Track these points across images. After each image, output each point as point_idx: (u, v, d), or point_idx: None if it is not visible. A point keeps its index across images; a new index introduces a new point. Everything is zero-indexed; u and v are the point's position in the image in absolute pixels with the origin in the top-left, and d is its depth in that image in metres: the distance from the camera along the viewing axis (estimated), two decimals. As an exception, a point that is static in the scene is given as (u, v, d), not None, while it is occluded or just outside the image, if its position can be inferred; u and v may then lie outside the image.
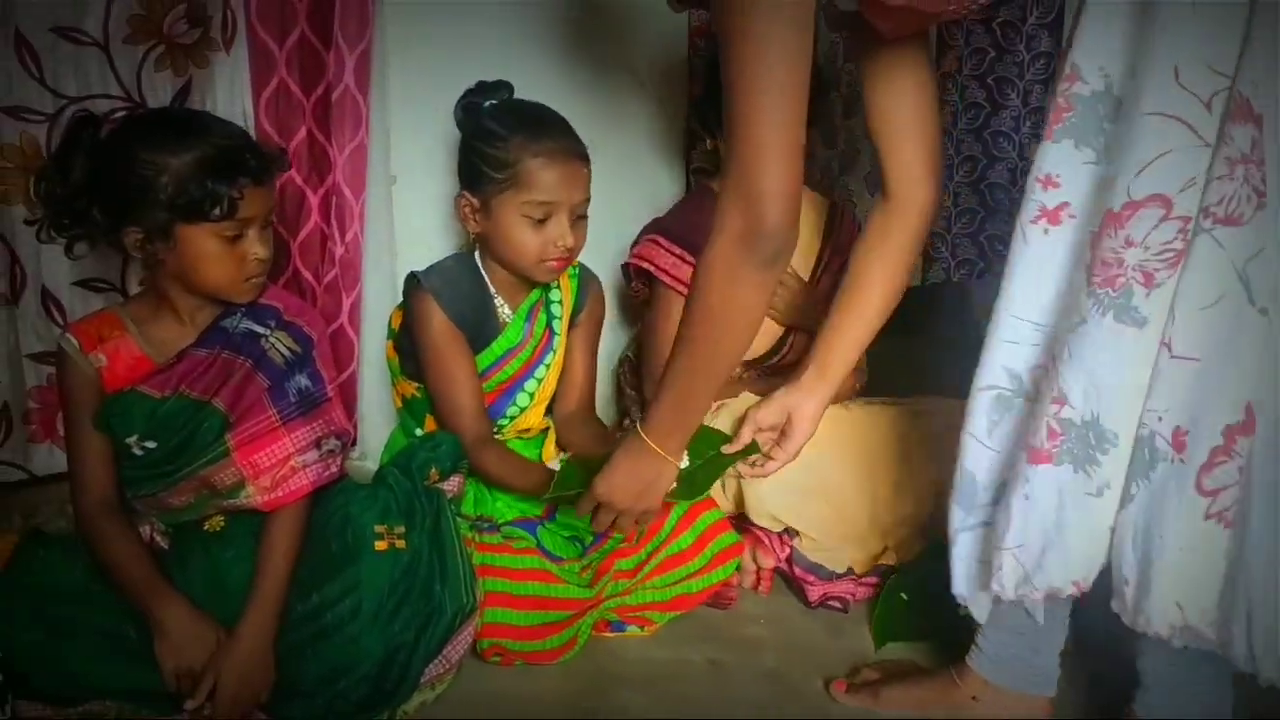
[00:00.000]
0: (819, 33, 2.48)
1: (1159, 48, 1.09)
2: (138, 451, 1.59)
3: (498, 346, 1.91)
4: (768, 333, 2.09)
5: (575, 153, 1.84)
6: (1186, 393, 1.13)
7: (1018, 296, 1.23)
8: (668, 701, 1.59)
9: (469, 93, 1.89)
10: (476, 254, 1.94)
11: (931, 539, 1.80)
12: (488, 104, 1.86)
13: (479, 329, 1.90)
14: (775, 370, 2.11)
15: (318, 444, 1.65)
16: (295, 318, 1.71)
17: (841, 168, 2.88)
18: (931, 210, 1.48)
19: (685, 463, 1.50)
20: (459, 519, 1.71)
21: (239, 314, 1.66)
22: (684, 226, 2.05)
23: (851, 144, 2.86)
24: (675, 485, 1.56)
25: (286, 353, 1.67)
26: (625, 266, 2.14)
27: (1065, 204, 1.18)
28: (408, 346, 1.92)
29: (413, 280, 1.91)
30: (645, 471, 1.47)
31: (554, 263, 1.83)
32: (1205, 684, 1.34)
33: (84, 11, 1.90)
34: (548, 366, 1.95)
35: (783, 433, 1.60)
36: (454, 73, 2.02)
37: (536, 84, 2.08)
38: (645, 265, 2.06)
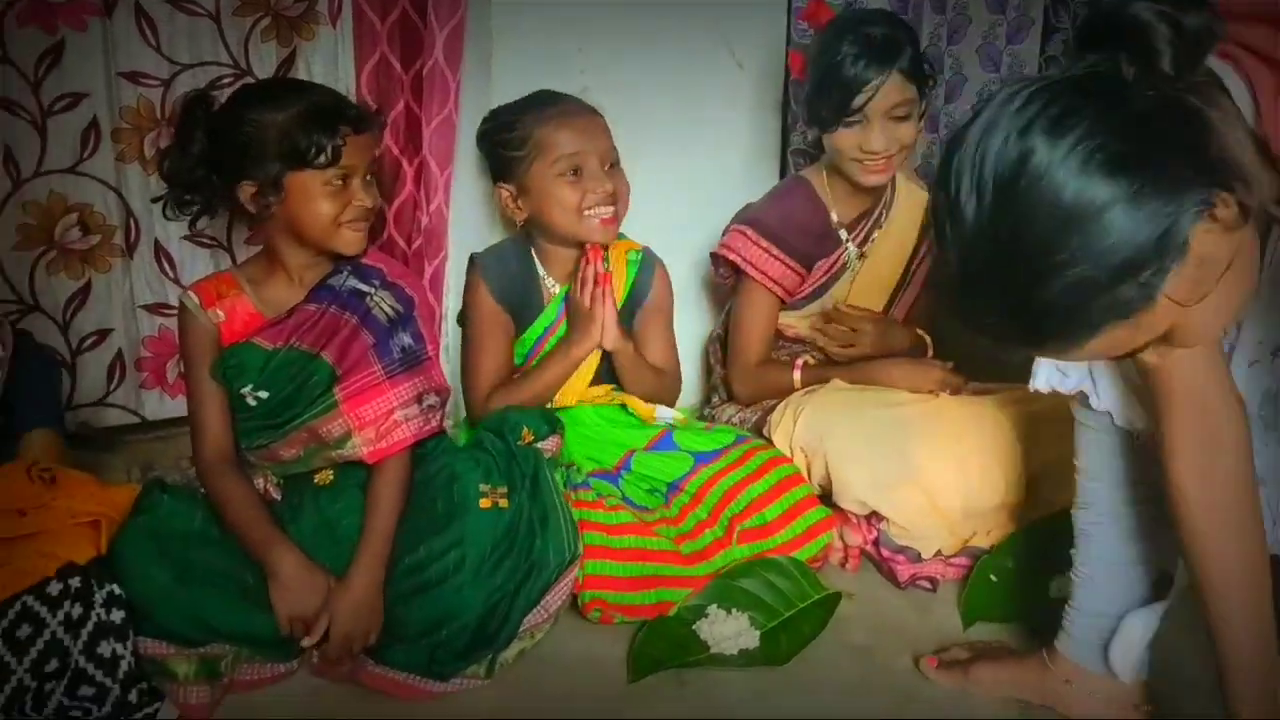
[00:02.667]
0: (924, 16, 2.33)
1: None
2: (251, 402, 1.55)
3: (537, 326, 1.85)
4: None
5: (584, 108, 1.79)
6: None
7: None
8: (756, 673, 1.52)
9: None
10: (533, 238, 1.88)
11: (1022, 523, 1.72)
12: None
13: (525, 307, 1.85)
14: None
15: (419, 399, 1.59)
16: (398, 279, 1.67)
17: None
18: None
19: None
20: (557, 475, 1.64)
21: (345, 272, 1.62)
22: (774, 219, 1.94)
23: (954, 130, 2.77)
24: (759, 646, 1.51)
25: (390, 311, 1.62)
26: (713, 254, 2.02)
27: None
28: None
29: (471, 260, 1.88)
30: None
31: (600, 212, 1.76)
32: None
33: (198, -15, 1.87)
34: None
35: None
36: (555, 52, 1.96)
37: (634, 64, 2.03)
38: (732, 257, 1.95)
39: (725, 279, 2.04)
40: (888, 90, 1.77)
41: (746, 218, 1.98)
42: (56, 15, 1.80)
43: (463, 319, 1.90)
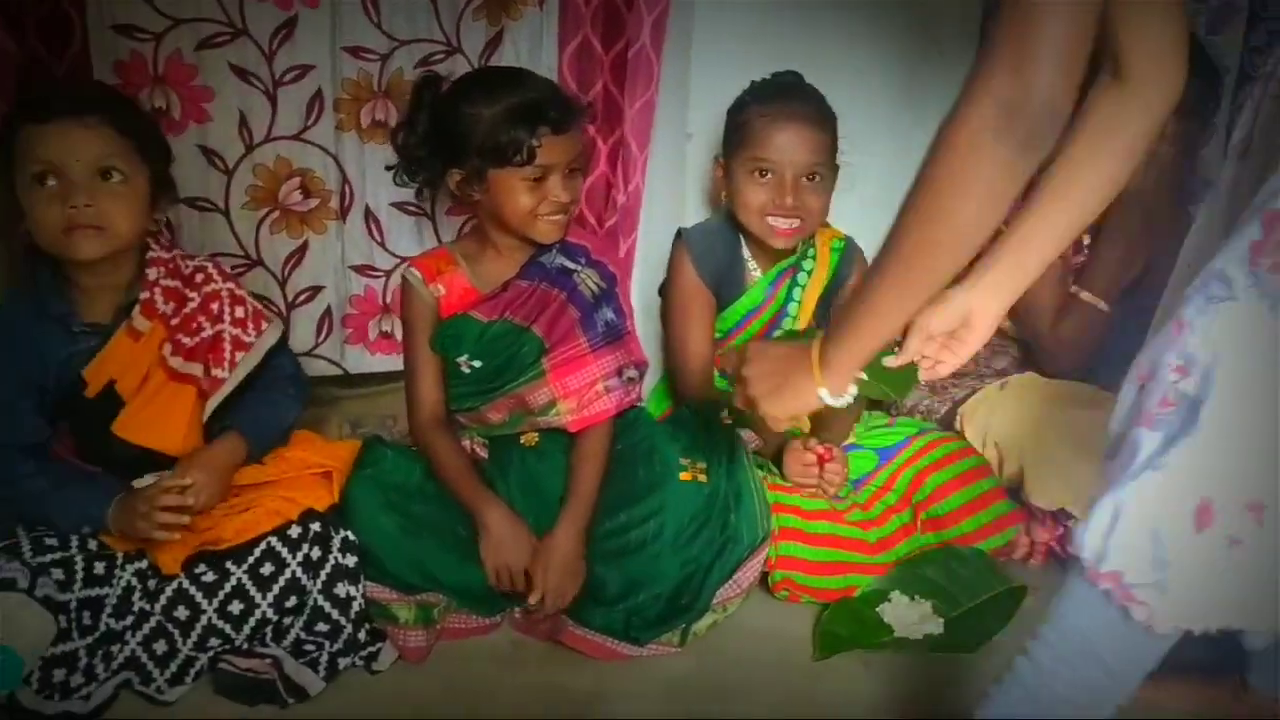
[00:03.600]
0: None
1: None
2: (465, 370, 1.60)
3: (741, 305, 1.83)
4: None
5: (804, 116, 1.69)
6: None
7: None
8: (939, 659, 1.50)
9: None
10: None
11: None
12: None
13: (726, 287, 1.82)
14: None
15: (619, 371, 1.63)
16: (601, 257, 1.70)
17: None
18: (1175, 95, 1.09)
19: (843, 400, 1.13)
20: (753, 457, 1.66)
21: (554, 250, 1.65)
22: None
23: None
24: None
25: (594, 288, 1.66)
26: None
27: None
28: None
29: (678, 234, 1.86)
30: (790, 374, 1.15)
31: (779, 224, 1.72)
32: None
33: (417, -34, 1.90)
34: (785, 332, 1.82)
35: (955, 335, 1.22)
36: (755, 38, 1.95)
37: (835, 52, 1.99)
38: None
39: None
40: None
41: None
42: (295, -8, 1.86)
43: (664, 290, 1.89)
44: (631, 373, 1.65)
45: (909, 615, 1.53)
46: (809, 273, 1.83)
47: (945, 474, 1.68)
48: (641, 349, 1.72)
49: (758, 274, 1.83)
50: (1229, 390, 0.90)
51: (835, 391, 1.13)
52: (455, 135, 1.56)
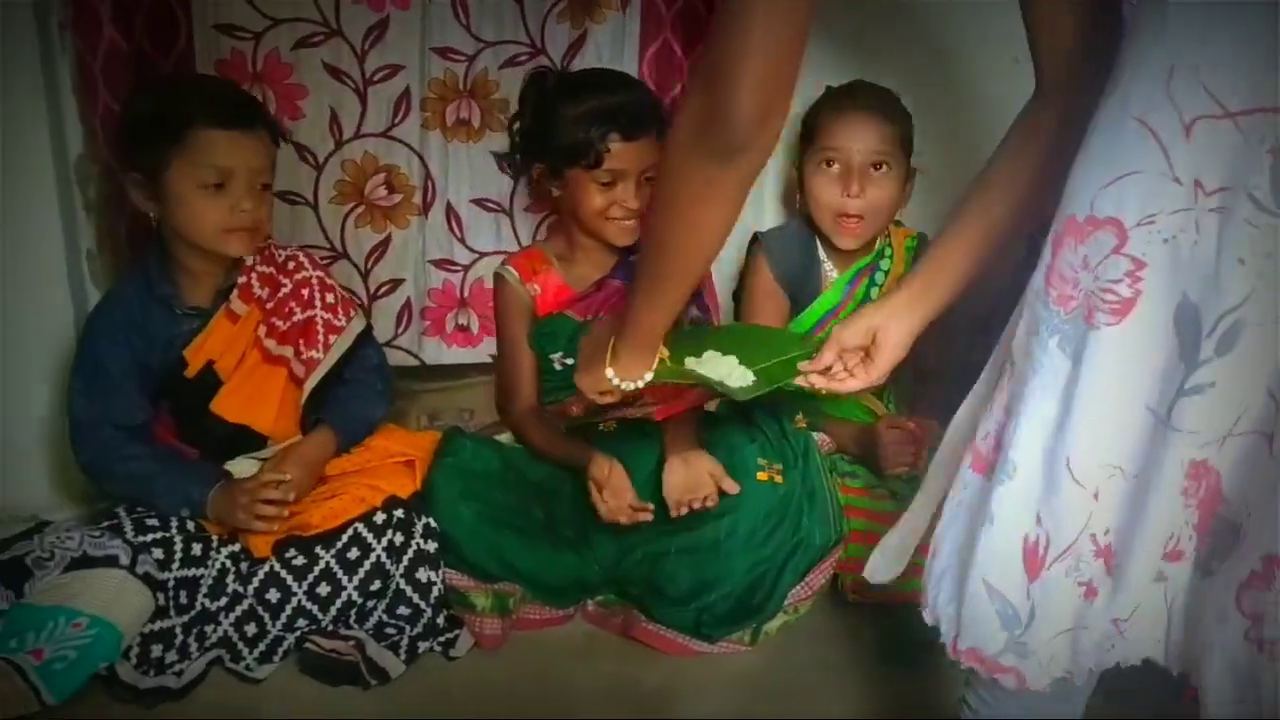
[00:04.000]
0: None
1: (1164, 36, 0.77)
2: (558, 366, 1.64)
3: (819, 306, 1.81)
4: None
5: (870, 105, 1.68)
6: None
7: None
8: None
9: None
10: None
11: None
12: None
13: (802, 289, 1.82)
14: None
15: (705, 365, 1.66)
16: None
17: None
18: (1086, 101, 0.93)
19: (629, 385, 1.23)
20: (825, 462, 1.64)
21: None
22: None
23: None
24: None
25: (681, 283, 1.70)
26: None
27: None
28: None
29: (754, 237, 1.87)
30: (596, 352, 1.25)
31: (846, 219, 1.70)
32: None
33: (506, -31, 1.92)
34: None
35: (867, 353, 1.20)
36: (837, 44, 1.92)
37: (915, 56, 1.98)
38: None
39: None
40: None
41: None
42: (389, -5, 1.90)
43: (738, 295, 1.90)
44: (716, 364, 1.66)
45: None
46: (886, 272, 1.82)
47: None
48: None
49: (834, 275, 1.82)
50: (1033, 434, 0.85)
51: (621, 375, 1.22)
52: (543, 131, 1.60)
